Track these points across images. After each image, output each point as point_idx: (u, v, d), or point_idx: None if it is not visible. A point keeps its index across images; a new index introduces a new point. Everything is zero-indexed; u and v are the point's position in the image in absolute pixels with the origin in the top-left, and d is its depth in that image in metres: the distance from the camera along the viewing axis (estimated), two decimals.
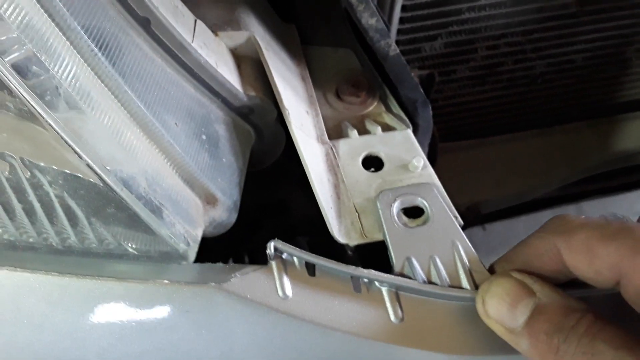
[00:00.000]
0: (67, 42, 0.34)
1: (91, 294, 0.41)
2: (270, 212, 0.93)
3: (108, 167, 0.35)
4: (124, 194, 0.36)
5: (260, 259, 1.06)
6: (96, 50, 0.35)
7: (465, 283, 0.43)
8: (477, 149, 0.95)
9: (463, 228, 0.49)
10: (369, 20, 0.45)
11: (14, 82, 0.31)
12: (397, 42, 0.77)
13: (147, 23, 0.39)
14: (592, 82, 0.94)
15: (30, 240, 0.40)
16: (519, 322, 0.38)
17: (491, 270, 0.44)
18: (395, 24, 0.75)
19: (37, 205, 0.37)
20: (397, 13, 0.73)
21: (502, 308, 0.39)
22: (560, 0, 0.79)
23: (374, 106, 0.56)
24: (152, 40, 0.40)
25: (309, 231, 0.97)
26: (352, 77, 0.57)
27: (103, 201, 0.37)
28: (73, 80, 0.34)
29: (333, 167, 0.50)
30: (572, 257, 0.38)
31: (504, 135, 0.96)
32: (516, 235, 1.49)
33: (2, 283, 0.40)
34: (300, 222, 0.93)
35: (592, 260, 0.37)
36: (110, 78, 0.36)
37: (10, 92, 0.31)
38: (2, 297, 0.41)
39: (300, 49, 0.57)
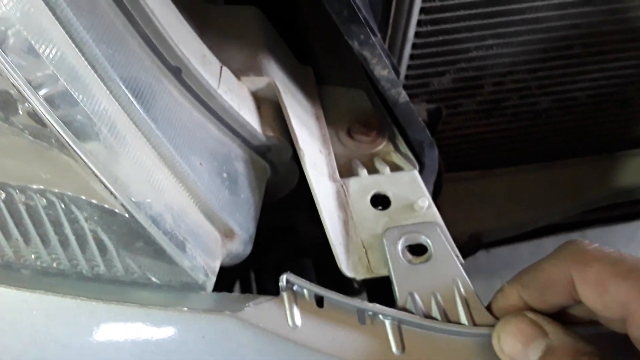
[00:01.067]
0: (108, 92, 0.38)
1: (116, 318, 0.44)
2: (278, 235, 0.96)
3: (139, 206, 0.38)
4: (152, 230, 0.39)
5: (265, 279, 1.09)
6: (132, 99, 0.38)
7: (463, 319, 0.46)
8: (480, 180, 0.98)
9: (464, 257, 0.52)
10: (381, 71, 0.48)
11: (64, 134, 0.35)
12: (407, 77, 0.81)
13: (178, 72, 0.42)
14: (594, 119, 0.97)
15: (62, 267, 0.44)
16: None
17: (495, 300, 0.46)
18: (405, 61, 0.78)
19: (71, 238, 0.40)
20: (407, 50, 0.77)
21: (516, 346, 0.42)
22: (565, 41, 0.82)
23: (383, 145, 0.60)
24: (182, 87, 0.44)
25: (315, 254, 1.00)
26: (364, 117, 0.60)
27: (132, 236, 0.40)
28: (111, 126, 0.37)
29: (343, 204, 0.53)
30: (583, 289, 0.40)
31: (507, 168, 0.99)
32: (519, 259, 1.51)
33: (34, 306, 0.44)
34: (307, 245, 0.96)
35: (602, 295, 0.39)
36: (144, 123, 0.39)
37: (59, 141, 0.35)
38: (33, 320, 0.44)
39: (316, 89, 0.60)
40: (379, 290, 0.53)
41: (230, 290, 1.00)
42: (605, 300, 0.39)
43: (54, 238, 0.41)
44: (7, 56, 0.33)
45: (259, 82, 0.50)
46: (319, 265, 1.00)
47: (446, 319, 0.46)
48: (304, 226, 0.92)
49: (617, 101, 0.94)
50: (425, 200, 0.52)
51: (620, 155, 1.01)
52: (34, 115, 0.35)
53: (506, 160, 1.00)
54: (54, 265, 0.44)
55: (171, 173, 0.42)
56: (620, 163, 1.00)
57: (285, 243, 1.00)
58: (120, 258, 0.42)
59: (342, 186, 0.54)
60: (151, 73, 0.41)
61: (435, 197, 0.86)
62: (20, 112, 0.36)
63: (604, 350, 0.40)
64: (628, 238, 1.56)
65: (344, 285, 0.93)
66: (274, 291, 0.47)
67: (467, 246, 0.96)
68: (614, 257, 0.40)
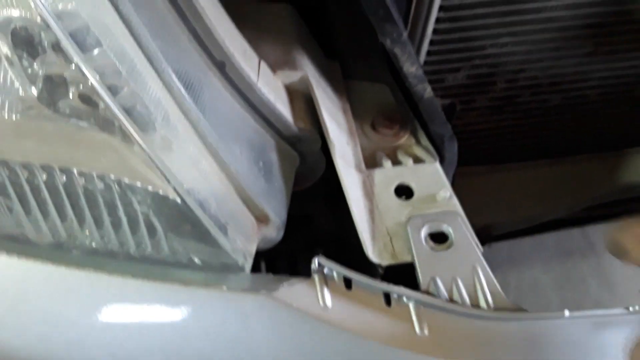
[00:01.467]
0: (161, 83, 0.40)
1: (161, 296, 0.47)
2: (294, 224, 0.98)
3: (189, 191, 0.41)
4: (199, 213, 0.42)
5: (278, 268, 1.11)
6: (183, 91, 0.41)
7: (483, 303, 0.49)
8: (491, 174, 1.00)
9: None
10: (410, 68, 0.51)
11: (124, 119, 0.37)
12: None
13: (222, 66, 0.45)
14: (604, 117, 0.99)
15: (110, 247, 0.46)
16: None
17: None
18: (422, 56, 0.81)
19: (124, 220, 0.43)
20: (425, 46, 0.79)
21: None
22: (577, 40, 0.84)
23: (405, 138, 0.62)
24: (225, 80, 0.46)
25: (327, 246, 1.03)
26: (387, 111, 0.63)
27: (181, 219, 0.43)
28: (165, 116, 0.40)
29: (369, 194, 0.56)
30: None
31: (517, 163, 1.01)
32: (521, 253, 1.54)
33: (84, 284, 0.47)
34: (321, 236, 0.99)
35: None
36: (193, 113, 0.42)
37: (121, 129, 0.38)
38: (82, 298, 0.47)
39: (342, 84, 0.63)
40: (399, 278, 0.55)
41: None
42: None
43: (107, 220, 0.44)
44: (75, 44, 0.35)
45: (293, 76, 0.53)
46: (330, 257, 1.03)
47: (466, 302, 0.49)
48: (320, 217, 0.94)
49: (627, 99, 0.97)
50: (447, 191, 0.55)
51: (628, 153, 1.03)
52: (86, 98, 0.38)
53: (516, 156, 1.02)
54: (104, 245, 0.46)
55: (215, 161, 0.45)
56: (628, 160, 1.03)
57: (300, 233, 1.03)
58: (167, 240, 0.45)
59: (367, 177, 0.57)
60: (199, 66, 0.44)
61: None
62: (71, 95, 0.38)
63: None
64: None
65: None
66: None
67: (478, 238, 0.99)
68: None
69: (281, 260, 1.12)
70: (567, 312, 0.50)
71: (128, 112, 0.38)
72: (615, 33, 0.84)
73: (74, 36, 0.34)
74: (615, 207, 1.15)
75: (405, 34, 0.47)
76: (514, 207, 1.01)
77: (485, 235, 1.02)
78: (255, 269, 0.65)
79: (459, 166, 0.99)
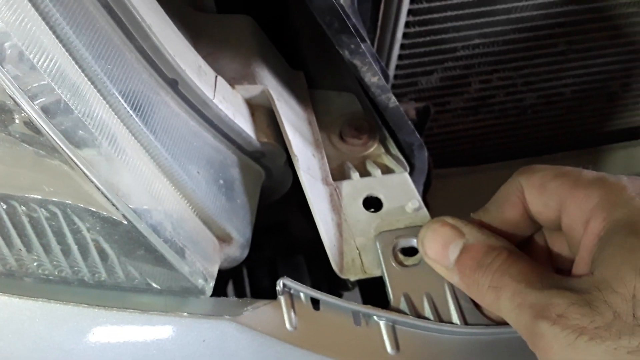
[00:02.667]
0: (107, 106, 0.39)
1: (117, 324, 0.45)
2: (271, 231, 0.97)
3: (140, 215, 0.40)
4: (152, 238, 0.41)
5: (258, 276, 1.10)
6: (131, 112, 0.39)
7: (455, 318, 0.48)
8: (469, 176, 1.00)
9: None
10: (371, 78, 0.49)
11: (65, 147, 0.36)
12: (395, 77, 0.82)
13: (174, 84, 0.43)
14: (580, 114, 0.99)
15: (64, 274, 0.45)
16: (451, 260, 0.44)
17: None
18: (394, 61, 0.80)
19: (74, 247, 0.41)
20: (396, 51, 0.78)
21: (437, 249, 0.46)
22: (549, 39, 0.84)
23: (374, 148, 0.61)
24: (178, 98, 0.45)
25: (307, 250, 1.01)
26: (355, 120, 0.61)
27: (134, 244, 0.41)
28: (111, 139, 0.38)
29: (336, 207, 0.54)
30: (529, 192, 0.44)
31: (495, 163, 1.01)
32: None
33: (37, 314, 0.45)
34: (299, 242, 0.98)
35: (542, 193, 0.43)
36: (142, 135, 0.41)
37: (59, 153, 0.36)
38: (36, 328, 0.45)
39: (308, 94, 0.61)
40: (373, 287, 0.54)
41: (224, 287, 1.01)
42: (545, 197, 0.42)
43: (56, 247, 0.42)
44: (3, 67, 0.33)
45: (252, 90, 0.52)
46: (311, 260, 1.02)
47: (439, 318, 0.48)
48: (295, 223, 0.93)
49: (602, 96, 0.96)
50: (416, 202, 0.54)
51: (605, 149, 1.03)
52: (30, 125, 0.36)
53: (494, 156, 1.01)
54: (56, 272, 0.45)
55: (169, 182, 0.43)
56: (604, 157, 1.03)
57: (278, 240, 1.02)
58: (121, 265, 0.43)
59: (335, 189, 0.55)
60: (148, 86, 0.42)
61: (425, 193, 0.88)
62: (17, 121, 0.37)
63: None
64: None
65: (337, 280, 0.95)
66: (268, 287, 0.48)
67: None
68: (557, 166, 0.43)
69: (261, 269, 1.11)
70: None
71: (68, 137, 0.36)
72: (587, 31, 0.83)
73: (3, 62, 0.33)
74: None
75: (363, 45, 0.46)
76: None
77: None
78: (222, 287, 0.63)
79: (436, 168, 0.98)
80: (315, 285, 1.04)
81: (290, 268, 1.12)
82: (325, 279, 0.83)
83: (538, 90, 0.93)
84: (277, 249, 1.05)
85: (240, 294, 1.09)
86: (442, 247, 0.45)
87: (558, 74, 0.91)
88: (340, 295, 0.70)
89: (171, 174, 0.43)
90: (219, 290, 0.49)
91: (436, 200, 0.91)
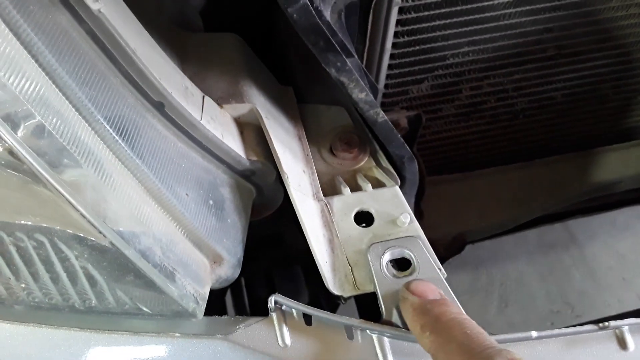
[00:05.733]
0: (93, 132, 0.39)
1: (109, 346, 0.45)
2: (266, 244, 0.97)
3: (128, 242, 0.39)
4: (141, 264, 0.40)
5: (256, 286, 1.09)
6: (117, 137, 0.39)
7: None
8: (462, 182, 1.00)
9: (450, 257, 0.53)
10: (359, 95, 0.49)
11: (48, 175, 0.36)
12: (386, 86, 0.82)
13: (161, 106, 0.43)
14: (572, 117, 0.99)
15: (54, 301, 0.45)
16: None
17: None
18: (384, 71, 0.80)
19: (62, 275, 0.41)
20: (385, 61, 0.78)
21: None
22: (538, 45, 0.84)
23: (365, 161, 0.61)
24: (165, 120, 0.45)
25: (305, 261, 1.01)
26: (345, 134, 0.61)
27: (122, 270, 0.41)
28: (98, 166, 0.38)
29: (328, 222, 0.54)
30: None
31: (488, 168, 1.01)
32: (503, 250, 1.55)
33: (29, 339, 0.45)
34: (296, 253, 0.98)
35: None
36: (129, 160, 0.40)
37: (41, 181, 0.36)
38: (29, 352, 0.45)
39: (297, 109, 0.61)
40: (368, 299, 0.54)
41: (222, 299, 1.01)
42: None
43: (44, 275, 0.42)
44: None
45: (241, 109, 0.51)
46: (309, 270, 1.02)
47: None
48: (291, 235, 0.93)
49: (593, 99, 0.97)
50: (407, 216, 0.54)
51: (596, 152, 1.03)
52: (12, 153, 0.36)
53: (487, 161, 1.02)
54: (46, 300, 0.44)
55: (158, 205, 0.43)
56: (597, 159, 1.03)
57: (274, 251, 1.02)
58: (111, 291, 0.43)
59: (326, 205, 0.55)
60: (135, 110, 0.42)
61: (419, 201, 0.88)
62: (0, 148, 0.36)
63: None
64: (610, 225, 1.60)
65: None
66: (265, 297, 0.48)
67: (452, 247, 0.98)
68: None
69: (258, 280, 1.11)
70: (534, 333, 0.49)
71: (52, 164, 0.36)
72: (575, 35, 0.83)
73: None
74: (591, 201, 1.15)
75: (349, 62, 0.46)
76: (487, 213, 1.00)
77: (460, 244, 1.01)
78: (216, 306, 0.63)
79: (430, 175, 0.99)
80: (313, 295, 1.04)
81: (287, 279, 1.12)
82: (324, 289, 0.83)
83: (529, 95, 0.93)
84: (274, 261, 1.05)
85: (239, 305, 1.09)
86: None
87: (548, 79, 0.91)
88: (338, 305, 0.70)
89: (159, 197, 0.43)
90: (216, 303, 0.49)
91: (430, 207, 0.92)
